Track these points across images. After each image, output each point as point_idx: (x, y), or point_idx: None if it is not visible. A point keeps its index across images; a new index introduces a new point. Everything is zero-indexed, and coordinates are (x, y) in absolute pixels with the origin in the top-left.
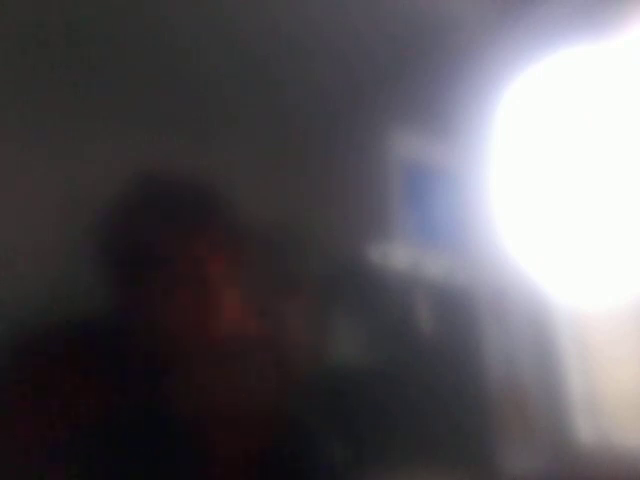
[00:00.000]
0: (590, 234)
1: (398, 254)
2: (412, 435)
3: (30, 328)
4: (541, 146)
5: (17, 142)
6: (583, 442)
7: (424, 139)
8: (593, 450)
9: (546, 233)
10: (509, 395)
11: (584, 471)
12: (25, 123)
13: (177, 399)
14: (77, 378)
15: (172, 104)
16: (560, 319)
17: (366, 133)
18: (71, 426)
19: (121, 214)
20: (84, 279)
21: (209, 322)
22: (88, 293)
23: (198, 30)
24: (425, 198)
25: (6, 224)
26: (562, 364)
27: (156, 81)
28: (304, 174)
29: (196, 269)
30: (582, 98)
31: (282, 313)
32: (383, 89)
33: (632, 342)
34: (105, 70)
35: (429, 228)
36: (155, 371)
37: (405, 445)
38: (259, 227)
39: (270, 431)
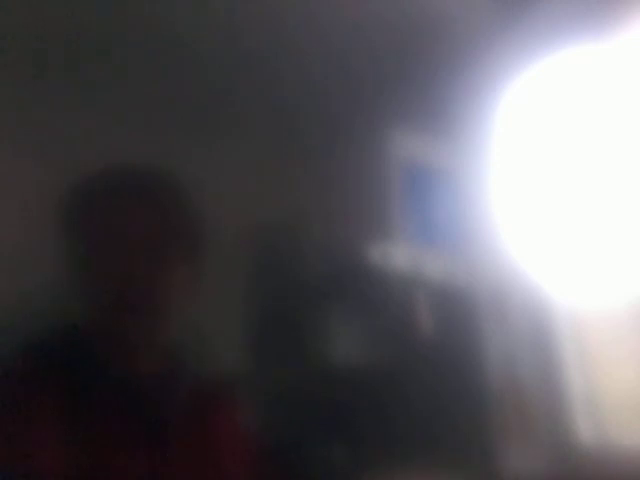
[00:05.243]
0: (590, 235)
1: (398, 254)
2: (412, 435)
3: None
4: (541, 146)
5: None
6: (583, 442)
7: (424, 139)
8: (593, 450)
9: (546, 233)
10: (509, 395)
11: (584, 471)
12: None
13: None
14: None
15: (172, 104)
16: (560, 319)
17: (366, 133)
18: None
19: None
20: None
21: None
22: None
23: (198, 30)
24: (425, 198)
25: None
26: (562, 364)
27: (156, 80)
28: (304, 174)
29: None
30: (582, 97)
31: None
32: (383, 89)
33: (632, 342)
34: (105, 68)
35: (429, 228)
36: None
37: (405, 445)
38: (259, 228)
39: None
